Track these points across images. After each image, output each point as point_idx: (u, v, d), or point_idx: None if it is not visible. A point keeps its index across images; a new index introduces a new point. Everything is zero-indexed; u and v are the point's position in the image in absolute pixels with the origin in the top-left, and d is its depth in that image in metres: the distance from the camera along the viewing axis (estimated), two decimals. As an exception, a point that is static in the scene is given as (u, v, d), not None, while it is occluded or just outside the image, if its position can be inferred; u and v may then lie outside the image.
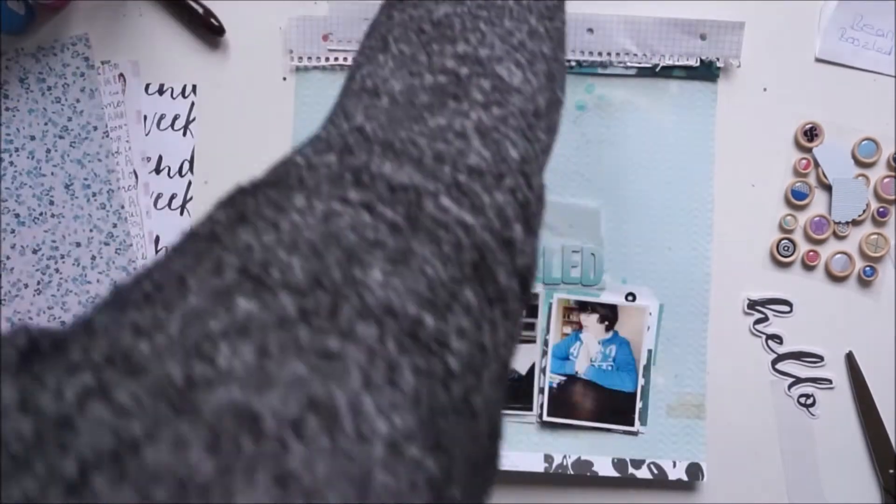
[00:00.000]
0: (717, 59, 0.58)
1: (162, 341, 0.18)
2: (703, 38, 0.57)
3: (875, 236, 0.58)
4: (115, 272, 0.59)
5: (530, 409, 0.58)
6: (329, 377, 0.19)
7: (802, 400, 0.59)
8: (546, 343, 0.58)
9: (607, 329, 0.58)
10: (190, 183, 0.59)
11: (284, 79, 0.59)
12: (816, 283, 0.59)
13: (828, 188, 0.58)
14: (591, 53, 0.58)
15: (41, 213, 0.59)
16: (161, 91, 0.59)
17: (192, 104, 0.59)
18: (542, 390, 0.58)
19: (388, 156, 0.25)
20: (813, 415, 0.59)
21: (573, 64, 0.58)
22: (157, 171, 0.59)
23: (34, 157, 0.59)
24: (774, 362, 0.59)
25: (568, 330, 0.58)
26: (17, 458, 0.16)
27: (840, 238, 0.58)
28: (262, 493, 0.16)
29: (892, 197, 0.58)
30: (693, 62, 0.58)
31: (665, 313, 0.58)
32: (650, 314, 0.58)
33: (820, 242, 0.58)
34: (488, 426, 0.24)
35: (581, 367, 0.58)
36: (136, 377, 0.17)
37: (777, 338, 0.59)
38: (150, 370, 0.18)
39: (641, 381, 0.58)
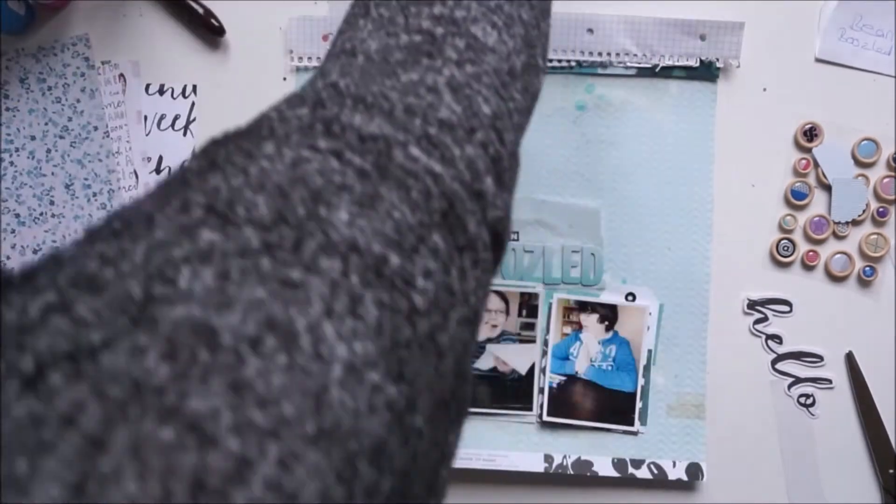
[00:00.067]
0: (717, 60, 0.58)
1: (126, 268, 0.19)
2: (702, 38, 0.57)
3: (875, 236, 0.58)
4: (116, 272, 0.59)
5: (530, 409, 0.58)
6: (289, 303, 0.19)
7: (802, 400, 0.59)
8: (546, 343, 0.58)
9: (607, 329, 0.58)
10: (190, 183, 0.59)
11: (284, 79, 0.59)
12: (816, 283, 0.59)
13: (827, 188, 0.58)
14: (591, 53, 0.58)
15: (41, 214, 0.59)
16: (161, 91, 0.59)
17: (193, 104, 0.59)
18: (542, 390, 0.58)
19: (359, 108, 0.26)
20: (813, 415, 0.59)
21: (573, 64, 0.58)
22: (158, 171, 0.59)
23: (34, 157, 0.59)
24: (774, 362, 0.59)
25: (568, 330, 0.58)
26: None
27: (840, 238, 0.58)
28: (217, 397, 0.16)
29: (892, 197, 0.58)
30: (693, 62, 0.58)
31: (665, 313, 0.58)
32: (650, 314, 0.58)
33: (820, 242, 0.58)
34: (455, 366, 0.25)
35: (581, 367, 0.58)
36: (97, 294, 0.18)
37: (777, 338, 0.59)
38: (111, 289, 0.18)
39: (641, 381, 0.58)
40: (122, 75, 0.59)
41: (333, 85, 0.27)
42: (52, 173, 0.59)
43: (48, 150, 0.59)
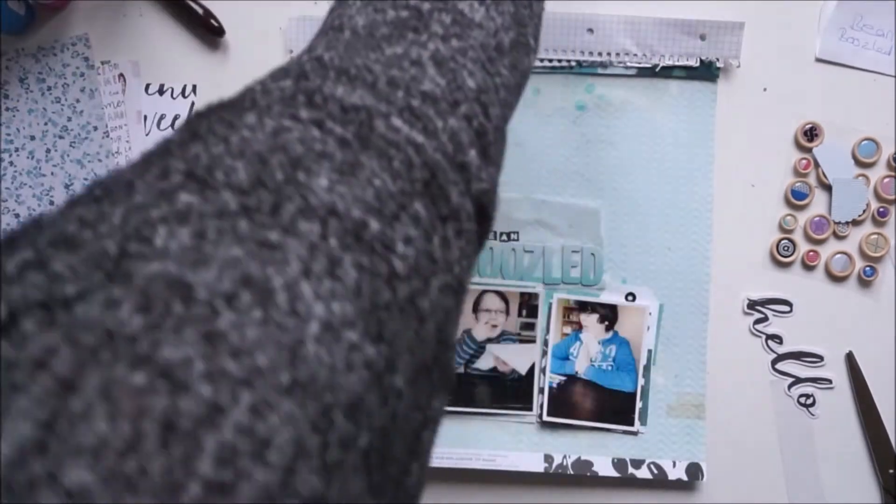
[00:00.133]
0: (717, 60, 0.58)
1: (104, 229, 0.19)
2: (702, 38, 0.57)
3: (875, 236, 0.58)
4: (115, 272, 0.59)
5: (530, 409, 0.58)
6: (267, 262, 0.19)
7: (802, 400, 0.59)
8: (546, 343, 0.58)
9: (607, 329, 0.58)
10: (190, 183, 0.59)
11: (284, 79, 0.59)
12: (816, 283, 0.59)
13: (828, 188, 0.58)
14: (591, 53, 0.58)
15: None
16: (161, 91, 0.59)
17: (193, 104, 0.59)
18: (541, 390, 0.58)
19: (341, 80, 0.26)
20: (813, 415, 0.59)
21: (573, 64, 0.58)
22: (157, 171, 0.59)
23: (34, 157, 0.59)
24: (774, 362, 0.59)
25: (568, 330, 0.58)
26: None
27: (840, 238, 0.58)
28: (189, 347, 0.17)
29: (892, 197, 0.58)
30: (693, 62, 0.58)
31: (665, 313, 0.58)
32: (650, 314, 0.58)
33: (820, 242, 0.58)
34: (437, 332, 0.25)
35: (581, 367, 0.58)
36: (73, 252, 0.18)
37: (777, 338, 0.59)
38: (87, 247, 0.19)
39: (641, 381, 0.58)
40: (121, 75, 0.59)
41: (318, 58, 0.28)
42: (52, 173, 0.59)
43: (48, 150, 0.59)
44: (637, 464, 0.58)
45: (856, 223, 0.58)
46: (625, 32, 0.57)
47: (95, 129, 0.59)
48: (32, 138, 0.59)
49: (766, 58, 0.58)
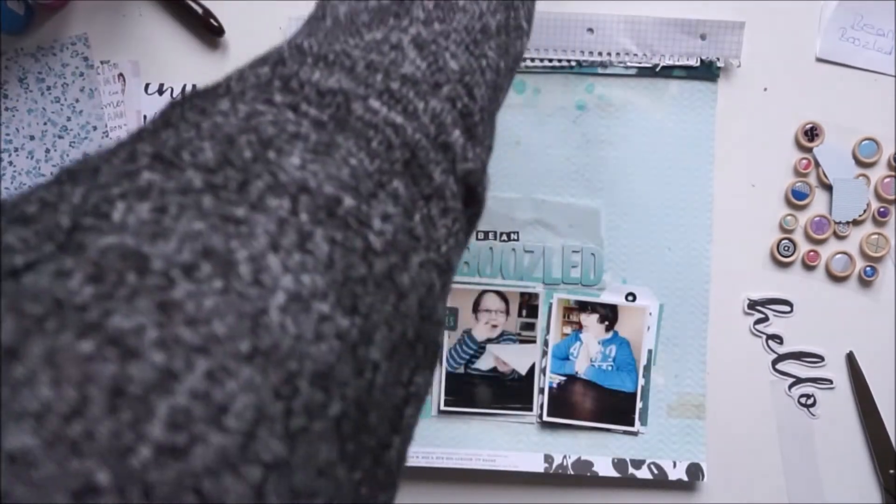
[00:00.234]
0: (718, 59, 0.58)
1: (63, 207, 0.19)
2: (703, 37, 0.57)
3: (876, 236, 0.58)
4: (115, 272, 0.59)
5: (530, 409, 0.58)
6: (231, 236, 0.19)
7: (803, 400, 0.59)
8: (546, 343, 0.58)
9: (607, 329, 0.58)
10: (189, 183, 0.59)
11: (284, 79, 0.59)
12: (817, 283, 0.59)
13: (828, 188, 0.58)
14: (591, 53, 0.57)
15: (41, 213, 0.59)
16: (161, 91, 0.59)
17: (192, 104, 0.59)
18: (542, 390, 0.58)
19: (319, 65, 0.26)
20: (813, 415, 0.59)
21: (573, 64, 0.58)
22: (157, 171, 0.59)
23: (33, 157, 0.59)
24: (775, 362, 0.59)
25: (568, 330, 0.58)
26: None
27: (840, 238, 0.58)
28: (142, 316, 0.17)
29: (893, 197, 0.58)
30: (693, 62, 0.58)
31: (665, 313, 0.58)
32: (650, 314, 0.58)
33: (820, 242, 0.58)
34: (419, 307, 0.25)
35: (581, 367, 0.58)
36: (27, 226, 0.18)
37: (777, 338, 0.59)
38: (42, 221, 0.19)
39: (641, 382, 0.58)
40: (121, 75, 0.59)
41: (297, 45, 0.27)
42: (52, 173, 0.58)
43: (47, 150, 0.59)
44: (637, 464, 0.58)
45: (856, 223, 0.58)
46: (625, 32, 0.57)
47: (95, 128, 0.59)
48: (32, 138, 0.59)
49: (767, 57, 0.58)
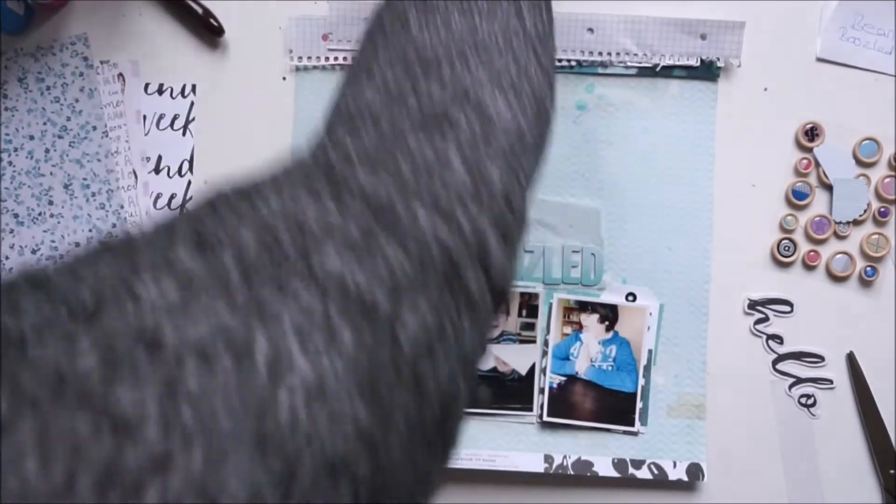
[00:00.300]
0: (718, 59, 0.57)
1: (90, 280, 0.19)
2: (703, 37, 0.57)
3: (876, 236, 0.58)
4: (115, 272, 0.59)
5: (530, 409, 0.58)
6: (254, 323, 0.19)
7: (803, 400, 0.58)
8: (546, 343, 0.58)
9: (607, 329, 0.58)
10: (189, 183, 0.59)
11: (284, 79, 0.59)
12: (817, 283, 0.59)
13: (829, 188, 0.58)
14: (591, 53, 0.57)
15: (40, 213, 0.59)
16: (160, 91, 0.59)
17: (192, 104, 0.59)
18: (542, 390, 0.58)
19: (365, 168, 0.26)
20: (814, 415, 0.59)
21: (573, 64, 0.58)
22: (157, 170, 0.59)
23: (33, 156, 0.59)
24: (775, 362, 0.59)
25: (568, 330, 0.58)
26: None
27: (841, 238, 0.58)
28: (145, 391, 0.17)
29: (893, 197, 0.58)
30: (693, 62, 0.57)
31: (665, 313, 0.58)
32: (650, 314, 0.58)
33: (821, 242, 0.58)
34: (441, 405, 0.25)
35: (581, 367, 0.58)
36: (49, 293, 0.18)
37: (778, 338, 0.58)
38: (65, 291, 0.19)
39: (641, 382, 0.58)
40: (120, 75, 0.59)
41: (341, 145, 0.27)
42: (51, 173, 0.59)
43: (47, 150, 0.59)
44: (637, 464, 0.58)
45: (857, 223, 0.58)
46: (625, 32, 0.57)
47: (94, 128, 0.59)
48: (31, 138, 0.59)
49: (767, 57, 0.58)
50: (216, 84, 0.59)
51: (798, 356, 0.58)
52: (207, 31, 0.58)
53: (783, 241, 0.58)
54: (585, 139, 0.58)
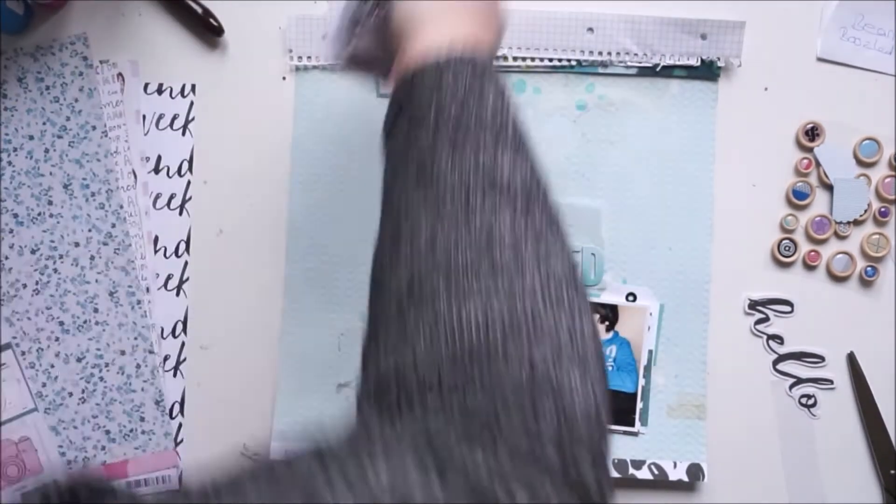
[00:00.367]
0: (718, 59, 0.57)
1: None
2: (703, 37, 0.57)
3: (876, 236, 0.58)
4: (114, 272, 0.59)
5: (530, 409, 0.58)
6: None
7: (804, 400, 0.58)
8: (546, 343, 0.58)
9: (608, 329, 0.58)
10: (189, 182, 0.59)
11: (284, 78, 0.59)
12: (818, 283, 0.59)
13: (829, 188, 0.58)
14: (591, 53, 0.57)
15: (40, 213, 0.58)
16: (160, 90, 0.59)
17: (192, 104, 0.59)
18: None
19: (466, 446, 0.26)
20: (814, 415, 0.58)
21: (574, 63, 0.58)
22: (156, 170, 0.59)
23: (32, 156, 0.58)
24: (775, 363, 0.59)
25: (568, 330, 0.58)
26: None
27: (841, 238, 0.58)
28: None
29: (894, 197, 0.58)
30: (694, 62, 0.57)
31: (665, 313, 0.58)
32: (650, 314, 0.58)
33: (821, 242, 0.58)
34: None
35: (581, 367, 0.58)
36: None
37: (778, 338, 0.58)
38: None
39: (642, 382, 0.58)
40: (120, 74, 0.59)
41: (436, 412, 0.28)
42: (51, 173, 0.58)
43: (46, 150, 0.59)
44: (638, 464, 0.58)
45: (857, 223, 0.58)
46: (625, 32, 0.57)
47: (94, 128, 0.59)
48: (31, 138, 0.58)
49: (768, 57, 0.58)
50: (216, 84, 0.59)
51: (798, 356, 0.58)
52: (207, 30, 0.58)
53: (783, 241, 0.58)
54: (586, 139, 0.58)
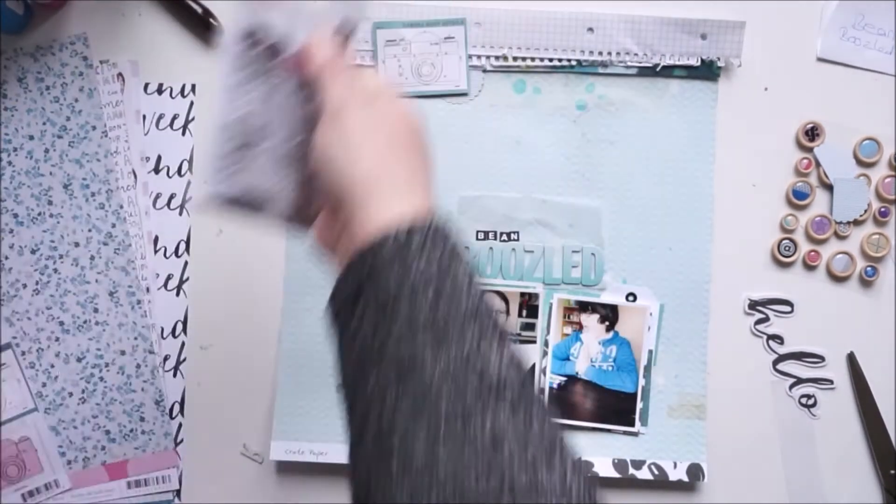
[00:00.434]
0: (718, 59, 0.57)
1: None
2: (703, 37, 0.57)
3: (876, 236, 0.58)
4: (114, 272, 0.59)
5: (530, 409, 0.58)
6: None
7: (804, 400, 0.58)
8: (546, 343, 0.58)
9: (608, 329, 0.58)
10: (189, 182, 0.59)
11: (284, 78, 0.59)
12: (818, 283, 0.59)
13: (829, 188, 0.58)
14: (591, 53, 0.57)
15: (40, 213, 0.58)
16: (160, 90, 0.59)
17: (192, 103, 0.59)
18: (542, 391, 0.58)
19: None
20: (814, 415, 0.58)
21: (574, 63, 0.58)
22: (156, 170, 0.59)
23: (33, 156, 0.59)
24: (775, 363, 0.59)
25: (568, 330, 0.58)
26: None
27: (841, 238, 0.58)
28: None
29: (894, 197, 0.58)
30: (694, 62, 0.57)
31: (665, 313, 0.58)
32: (651, 314, 0.58)
33: (821, 242, 0.58)
34: None
35: (581, 367, 0.58)
36: None
37: (778, 338, 0.58)
38: None
39: (642, 382, 0.58)
40: (120, 74, 0.59)
41: None
42: (51, 173, 0.59)
43: (46, 150, 0.59)
44: (638, 464, 0.58)
45: (857, 223, 0.58)
46: (625, 32, 0.57)
47: (94, 128, 0.59)
48: (31, 138, 0.58)
49: (768, 57, 0.58)
50: (216, 84, 0.59)
51: (798, 356, 0.58)
52: (207, 30, 0.58)
53: (783, 241, 0.58)
54: (586, 139, 0.58)
